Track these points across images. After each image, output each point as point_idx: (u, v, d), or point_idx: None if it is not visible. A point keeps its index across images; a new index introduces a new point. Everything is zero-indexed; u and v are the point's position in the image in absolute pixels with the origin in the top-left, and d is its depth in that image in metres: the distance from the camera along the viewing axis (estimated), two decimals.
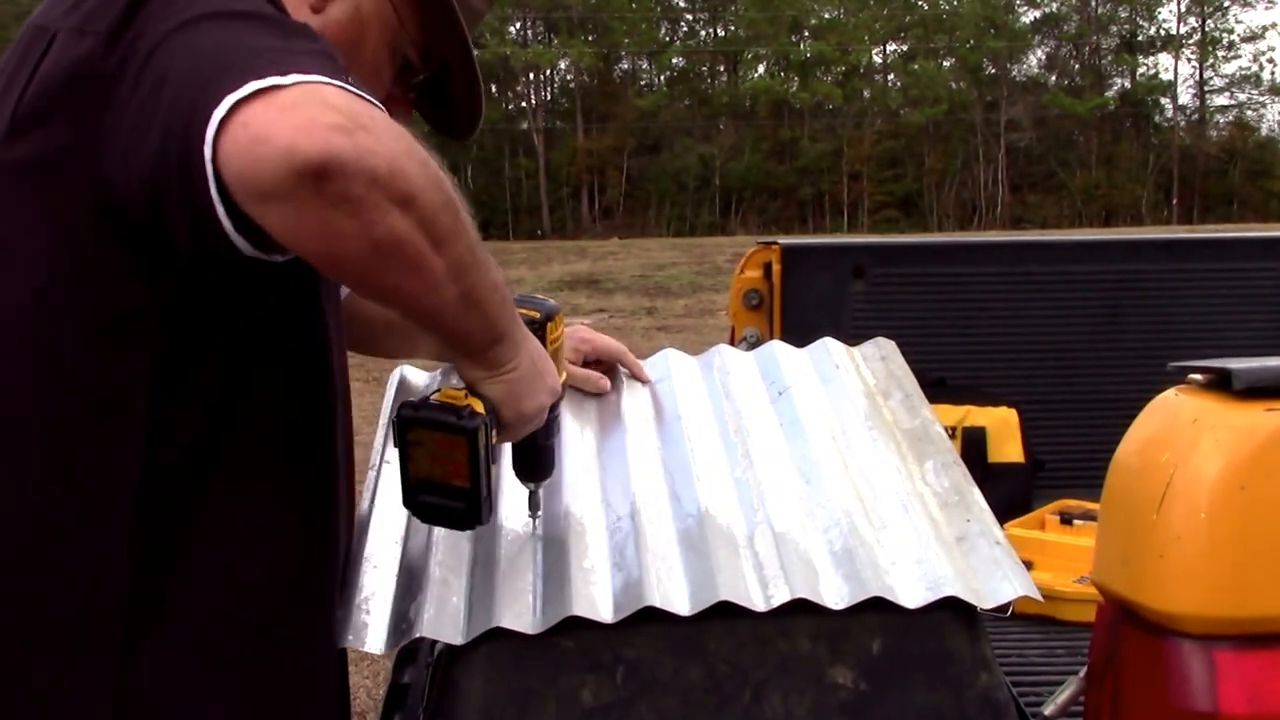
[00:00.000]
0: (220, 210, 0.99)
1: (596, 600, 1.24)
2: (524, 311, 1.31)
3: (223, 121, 0.96)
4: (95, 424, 1.13)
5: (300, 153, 0.94)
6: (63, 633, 1.13)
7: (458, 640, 1.22)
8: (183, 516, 1.16)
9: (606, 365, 1.68)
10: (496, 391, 1.21)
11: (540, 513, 1.40)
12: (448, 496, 1.20)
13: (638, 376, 1.68)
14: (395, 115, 1.34)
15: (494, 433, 1.21)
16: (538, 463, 1.40)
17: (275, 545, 1.23)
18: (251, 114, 0.95)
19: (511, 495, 1.46)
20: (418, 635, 1.22)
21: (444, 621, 1.24)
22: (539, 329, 1.32)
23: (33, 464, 1.13)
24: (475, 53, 1.36)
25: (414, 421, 1.18)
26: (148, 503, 1.14)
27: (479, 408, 1.19)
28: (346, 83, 1.01)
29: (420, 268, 1.04)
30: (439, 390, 1.21)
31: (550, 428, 1.36)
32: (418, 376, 1.83)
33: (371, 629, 1.27)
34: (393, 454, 1.61)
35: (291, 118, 0.95)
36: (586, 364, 1.66)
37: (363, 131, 0.96)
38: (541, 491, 1.41)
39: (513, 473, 1.41)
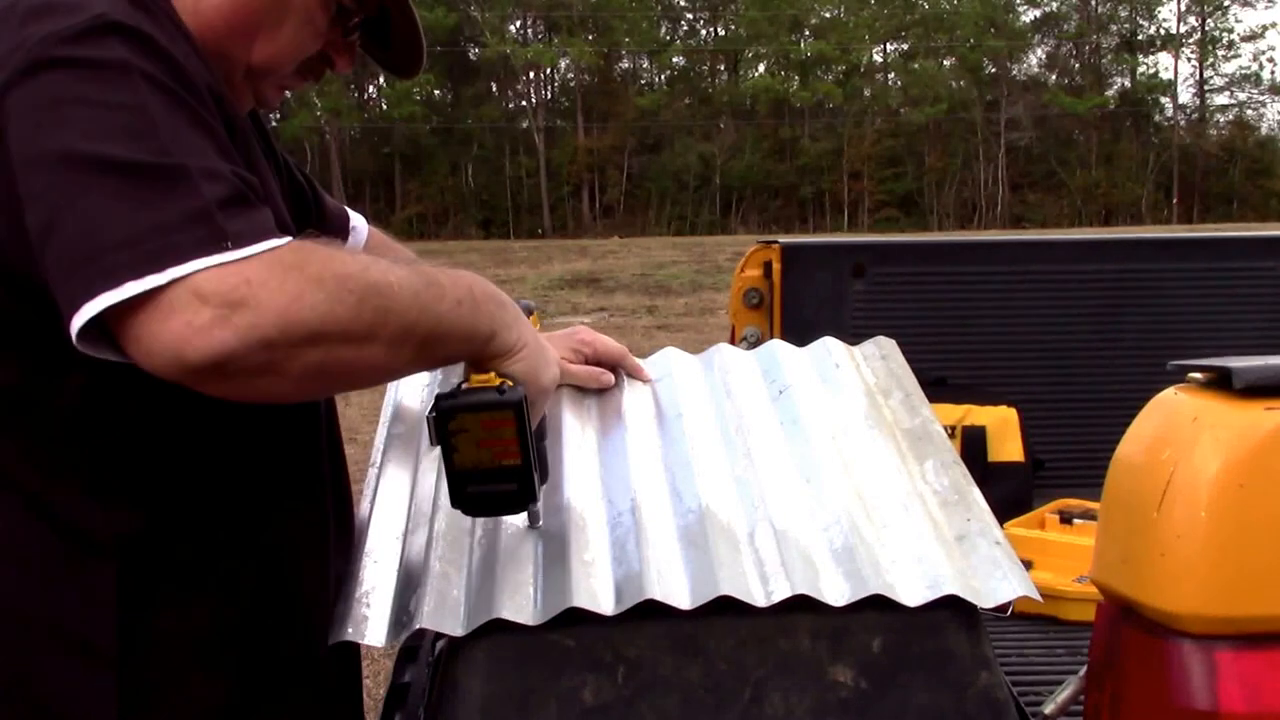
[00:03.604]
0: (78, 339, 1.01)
1: (597, 593, 1.24)
2: None
3: (108, 315, 0.99)
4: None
5: (189, 361, 0.98)
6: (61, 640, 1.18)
7: (458, 631, 1.22)
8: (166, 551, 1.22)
9: (607, 366, 1.68)
10: (519, 369, 1.22)
11: (540, 524, 1.39)
12: (498, 480, 1.19)
13: (638, 378, 1.68)
14: (339, 62, 1.34)
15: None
16: (539, 463, 1.39)
17: (264, 560, 1.30)
18: (135, 325, 0.99)
19: None
20: (418, 627, 1.22)
21: (444, 614, 1.24)
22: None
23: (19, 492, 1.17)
24: None
25: (455, 409, 1.17)
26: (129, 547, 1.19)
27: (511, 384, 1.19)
28: (229, 198, 1.02)
29: (356, 367, 1.07)
30: (465, 380, 1.20)
31: (542, 428, 1.36)
32: (419, 375, 1.82)
33: (372, 622, 1.27)
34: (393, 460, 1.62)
35: (170, 326, 0.98)
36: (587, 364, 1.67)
37: (241, 310, 0.98)
38: (540, 505, 1.39)
39: None
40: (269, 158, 1.44)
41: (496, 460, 1.18)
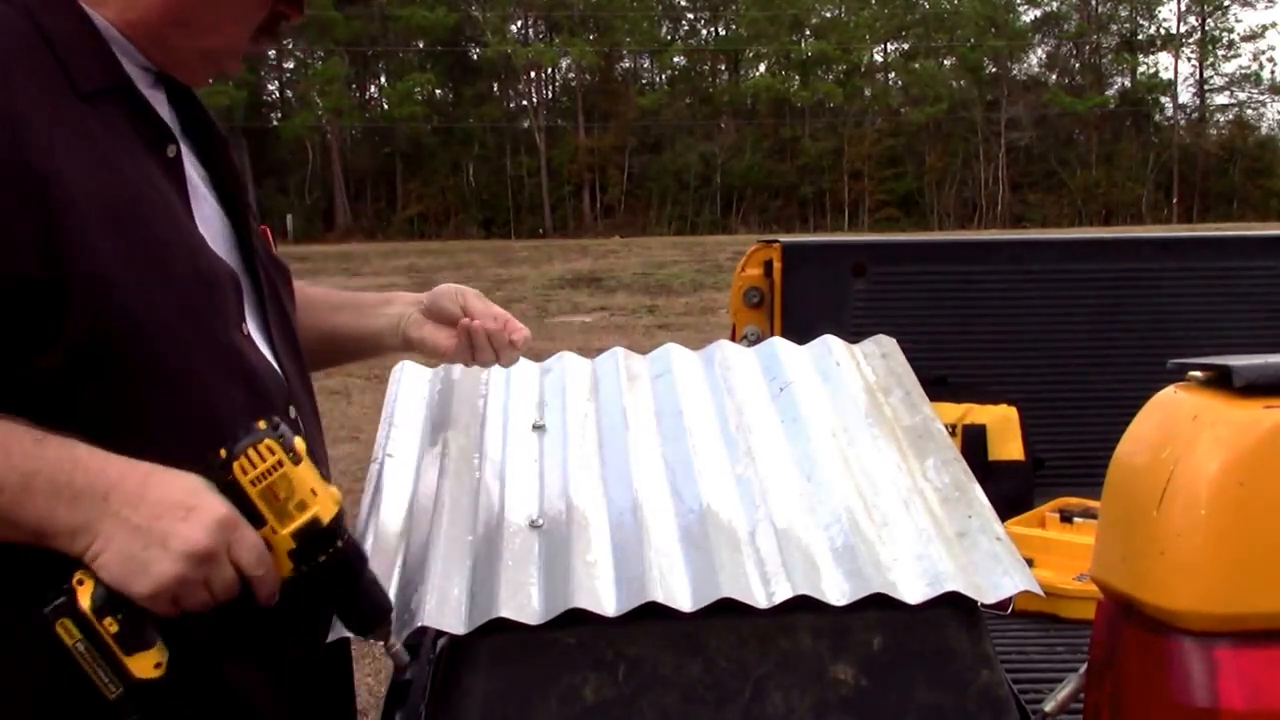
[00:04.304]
0: None
1: (599, 594, 1.24)
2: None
3: None
4: None
5: None
6: None
7: (459, 630, 1.22)
8: None
9: (448, 315, 1.53)
10: (105, 576, 1.09)
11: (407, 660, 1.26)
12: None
13: (475, 314, 1.52)
14: (292, 14, 1.30)
15: (115, 616, 1.07)
16: (356, 605, 1.18)
17: None
18: None
19: (512, 489, 1.46)
20: (419, 625, 1.23)
21: (446, 612, 1.24)
22: (223, 473, 1.10)
23: None
24: None
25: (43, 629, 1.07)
26: None
27: (83, 597, 1.07)
28: None
29: None
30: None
31: (344, 564, 1.14)
32: (420, 372, 1.83)
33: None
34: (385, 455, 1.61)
35: None
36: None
37: None
38: (398, 642, 1.21)
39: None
40: (208, 146, 1.36)
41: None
